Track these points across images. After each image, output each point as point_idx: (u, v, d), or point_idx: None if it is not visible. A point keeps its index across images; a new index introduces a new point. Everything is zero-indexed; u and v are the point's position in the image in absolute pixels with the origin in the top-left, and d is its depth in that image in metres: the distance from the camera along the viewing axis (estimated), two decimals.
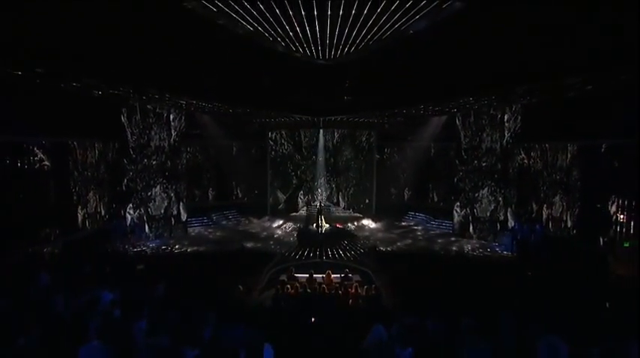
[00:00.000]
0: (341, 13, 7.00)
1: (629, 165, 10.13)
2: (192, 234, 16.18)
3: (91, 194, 12.92)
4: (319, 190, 19.52)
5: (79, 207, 12.44)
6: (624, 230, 10.29)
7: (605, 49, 7.41)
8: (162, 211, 15.45)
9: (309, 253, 13.13)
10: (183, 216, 16.24)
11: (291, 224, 17.54)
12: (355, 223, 18.01)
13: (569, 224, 12.33)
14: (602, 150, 11.01)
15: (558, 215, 12.69)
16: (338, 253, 13.27)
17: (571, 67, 8.38)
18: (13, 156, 10.03)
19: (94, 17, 6.74)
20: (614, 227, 10.53)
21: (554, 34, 7.34)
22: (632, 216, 10.06)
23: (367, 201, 19.68)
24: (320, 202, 17.98)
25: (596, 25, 6.76)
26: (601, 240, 10.85)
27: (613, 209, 10.61)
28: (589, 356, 4.08)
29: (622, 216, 10.28)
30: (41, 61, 7.97)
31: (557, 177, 12.68)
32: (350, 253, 13.33)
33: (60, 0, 5.96)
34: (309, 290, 9.20)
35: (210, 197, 18.80)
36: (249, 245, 14.51)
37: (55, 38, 7.24)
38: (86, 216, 12.72)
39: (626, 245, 10.13)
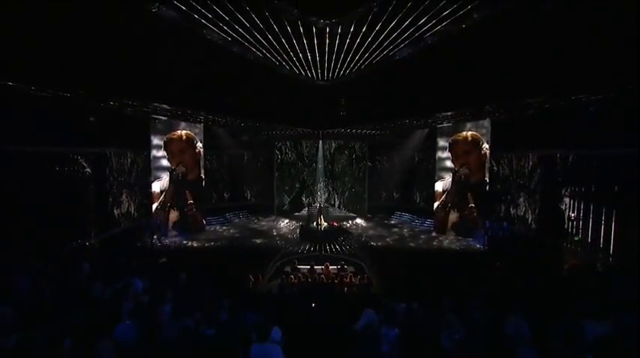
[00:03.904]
0: (337, 41, 7.13)
1: (579, 171, 10.28)
2: (209, 230, 16.18)
3: (124, 196, 12.95)
4: (319, 193, 19.51)
5: (114, 207, 12.47)
6: (575, 226, 10.40)
7: (560, 75, 7.54)
8: (184, 211, 15.45)
9: (310, 248, 13.17)
10: (202, 215, 16.22)
11: (294, 222, 17.51)
12: (350, 222, 18.02)
13: (530, 221, 12.40)
14: (557, 158, 11.14)
15: (522, 214, 12.74)
16: (335, 248, 13.30)
17: (531, 90, 8.52)
18: (60, 164, 10.12)
19: (129, 50, 6.88)
20: (566, 224, 10.62)
21: (517, 62, 7.48)
22: (582, 214, 10.19)
23: (360, 202, 19.70)
24: (320, 203, 17.97)
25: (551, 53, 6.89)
26: (556, 234, 10.93)
27: (564, 207, 10.72)
28: (547, 334, 4.13)
29: (573, 215, 10.38)
30: (84, 84, 8.06)
31: (521, 182, 12.74)
32: (345, 248, 13.36)
33: (103, 35, 6.07)
34: (310, 280, 9.26)
35: (225, 199, 18.79)
36: (258, 241, 14.51)
37: (96, 65, 7.37)
38: (120, 215, 12.75)
39: (576, 239, 10.23)
